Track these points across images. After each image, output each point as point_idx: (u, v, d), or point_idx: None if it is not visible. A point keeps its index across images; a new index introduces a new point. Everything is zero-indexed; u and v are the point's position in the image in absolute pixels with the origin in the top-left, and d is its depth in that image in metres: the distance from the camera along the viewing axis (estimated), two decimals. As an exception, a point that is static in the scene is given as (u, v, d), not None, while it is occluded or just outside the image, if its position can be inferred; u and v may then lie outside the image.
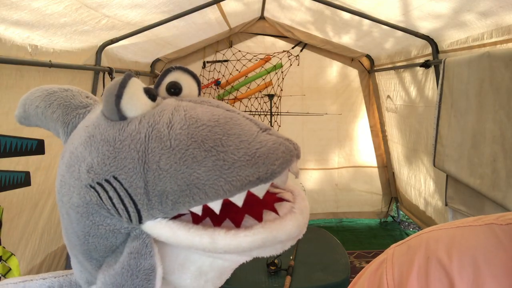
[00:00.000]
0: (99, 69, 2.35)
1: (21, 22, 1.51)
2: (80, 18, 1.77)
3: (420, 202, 3.33)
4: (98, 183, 0.50)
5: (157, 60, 3.69)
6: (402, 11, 2.26)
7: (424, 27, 2.37)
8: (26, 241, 1.97)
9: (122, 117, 0.51)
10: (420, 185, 3.27)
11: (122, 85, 0.49)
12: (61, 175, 0.57)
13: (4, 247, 1.42)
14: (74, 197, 0.53)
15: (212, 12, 2.83)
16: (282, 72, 3.94)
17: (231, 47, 3.85)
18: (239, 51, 3.86)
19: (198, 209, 0.49)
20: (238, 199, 0.47)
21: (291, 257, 2.19)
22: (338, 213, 4.17)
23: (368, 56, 3.84)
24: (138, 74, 3.08)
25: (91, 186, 0.51)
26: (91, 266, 0.57)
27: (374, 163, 4.10)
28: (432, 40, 2.46)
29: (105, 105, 0.52)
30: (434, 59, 2.49)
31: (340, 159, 4.12)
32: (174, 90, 0.57)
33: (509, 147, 1.67)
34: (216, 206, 0.48)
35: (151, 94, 0.53)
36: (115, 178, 0.49)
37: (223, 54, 3.85)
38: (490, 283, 0.38)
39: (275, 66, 3.90)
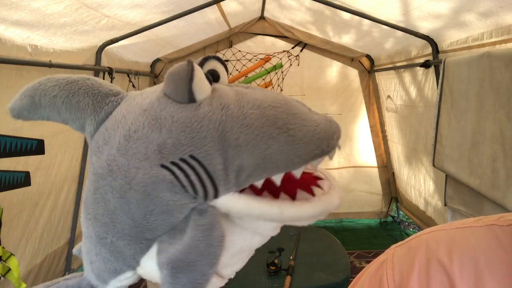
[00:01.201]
0: (99, 69, 2.35)
1: (21, 22, 1.51)
2: (80, 18, 1.77)
3: (420, 202, 3.33)
4: (172, 162, 0.52)
5: (157, 60, 3.69)
6: (402, 11, 2.26)
7: (424, 27, 2.37)
8: (26, 241, 1.97)
9: (192, 100, 0.54)
10: (420, 185, 3.27)
11: (193, 69, 0.52)
12: (109, 159, 0.56)
13: (3, 247, 1.42)
14: (139, 177, 0.53)
15: (212, 12, 2.83)
16: (282, 72, 3.94)
17: (231, 47, 3.85)
18: (239, 51, 3.85)
19: (260, 182, 0.54)
20: (298, 172, 0.53)
21: (291, 257, 2.19)
22: (338, 214, 4.17)
23: (368, 56, 3.84)
24: (138, 74, 3.08)
25: (162, 165, 0.52)
26: (136, 249, 0.57)
27: (374, 163, 4.10)
28: (432, 40, 2.46)
29: (175, 88, 0.54)
30: (434, 59, 2.49)
31: (340, 159, 4.11)
32: (213, 77, 0.61)
33: (509, 147, 1.67)
34: (278, 179, 0.53)
35: (209, 79, 0.57)
36: (192, 157, 0.52)
37: (223, 54, 3.84)
38: (491, 284, 0.38)
39: (275, 66, 3.90)
